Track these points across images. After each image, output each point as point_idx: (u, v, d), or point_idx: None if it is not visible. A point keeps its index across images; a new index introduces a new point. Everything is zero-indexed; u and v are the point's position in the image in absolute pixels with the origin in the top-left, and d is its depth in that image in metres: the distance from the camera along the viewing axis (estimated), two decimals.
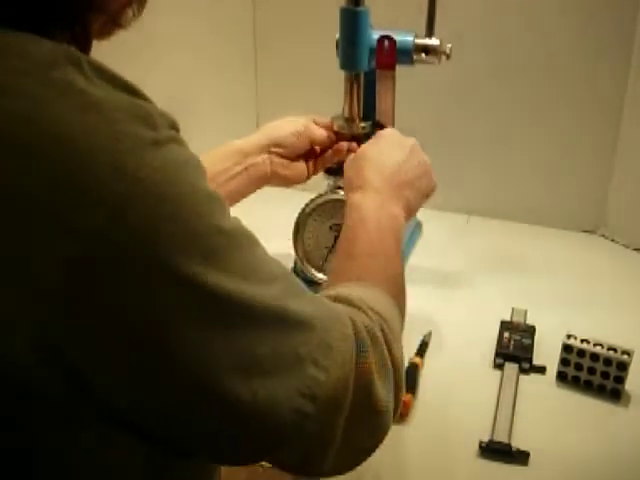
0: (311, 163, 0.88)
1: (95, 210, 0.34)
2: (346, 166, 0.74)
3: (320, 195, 0.86)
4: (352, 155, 0.75)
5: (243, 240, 0.42)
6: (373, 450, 0.53)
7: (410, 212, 0.71)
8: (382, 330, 0.52)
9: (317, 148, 0.88)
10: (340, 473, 0.52)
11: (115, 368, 0.38)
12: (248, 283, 0.41)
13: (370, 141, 0.76)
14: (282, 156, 0.85)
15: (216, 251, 0.39)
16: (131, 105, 0.38)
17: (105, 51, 0.98)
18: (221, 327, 0.40)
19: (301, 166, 0.87)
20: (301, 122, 0.86)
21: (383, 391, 0.50)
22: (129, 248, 0.35)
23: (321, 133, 0.86)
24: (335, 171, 0.87)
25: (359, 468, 0.71)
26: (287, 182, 0.87)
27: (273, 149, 0.84)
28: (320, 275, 0.89)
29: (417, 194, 0.73)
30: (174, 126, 0.40)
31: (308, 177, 0.89)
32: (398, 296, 0.60)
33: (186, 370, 0.39)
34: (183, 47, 1.18)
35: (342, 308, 0.51)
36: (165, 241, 0.36)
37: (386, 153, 0.73)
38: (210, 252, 0.39)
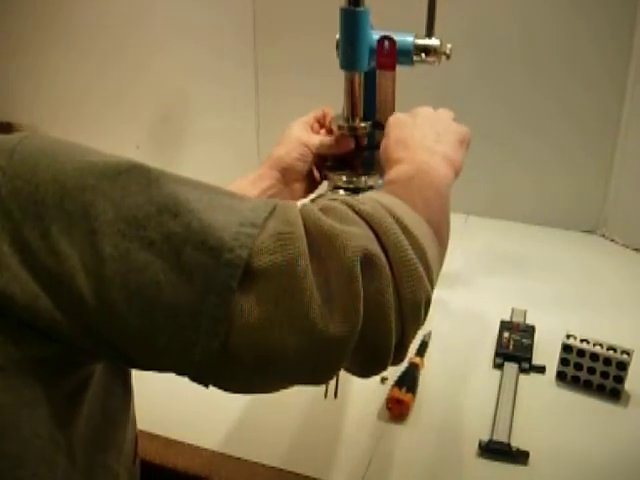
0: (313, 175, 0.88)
1: None
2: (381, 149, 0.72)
3: (320, 195, 0.86)
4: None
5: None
6: (352, 282, 0.44)
7: (453, 162, 0.67)
8: (341, 201, 0.49)
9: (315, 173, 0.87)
10: (340, 322, 0.43)
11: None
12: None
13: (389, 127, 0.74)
14: (291, 181, 0.85)
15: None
16: None
17: (105, 54, 0.98)
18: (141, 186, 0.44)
19: (300, 185, 0.87)
20: (301, 138, 0.84)
21: (339, 225, 0.45)
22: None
23: (314, 141, 0.85)
24: (334, 170, 0.87)
25: (359, 468, 0.72)
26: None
27: (284, 179, 0.84)
28: None
29: (449, 143, 0.69)
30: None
31: (311, 191, 0.89)
32: (426, 210, 0.53)
33: (110, 226, 0.42)
34: (182, 47, 1.18)
35: None
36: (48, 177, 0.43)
37: (401, 132, 0.71)
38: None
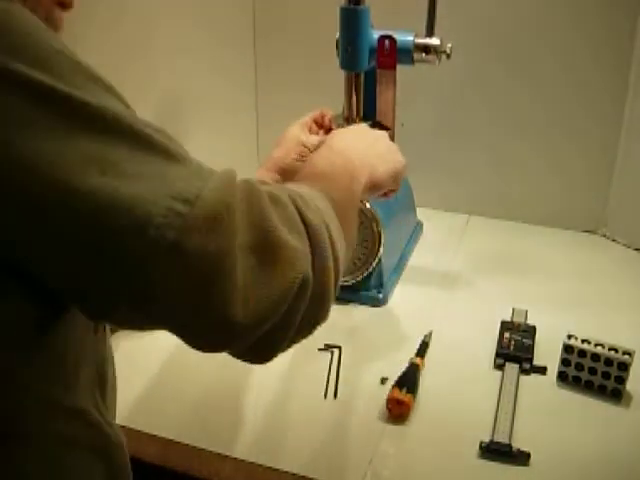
0: None
1: None
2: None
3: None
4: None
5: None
6: (284, 299, 0.45)
7: (372, 175, 0.66)
8: (291, 197, 0.49)
9: None
10: (254, 324, 0.44)
11: None
12: (104, 98, 0.42)
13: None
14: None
15: (61, 66, 0.41)
16: None
17: (106, 54, 0.98)
18: (64, 129, 0.40)
19: None
20: (299, 138, 0.84)
21: (288, 236, 0.45)
22: None
23: (312, 141, 0.85)
24: None
25: (359, 468, 0.72)
26: None
27: (284, 180, 0.83)
28: None
29: (383, 163, 0.69)
30: None
31: None
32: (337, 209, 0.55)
33: (35, 176, 0.39)
34: (183, 49, 1.18)
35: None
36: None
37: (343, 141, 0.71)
38: (56, 65, 0.40)
